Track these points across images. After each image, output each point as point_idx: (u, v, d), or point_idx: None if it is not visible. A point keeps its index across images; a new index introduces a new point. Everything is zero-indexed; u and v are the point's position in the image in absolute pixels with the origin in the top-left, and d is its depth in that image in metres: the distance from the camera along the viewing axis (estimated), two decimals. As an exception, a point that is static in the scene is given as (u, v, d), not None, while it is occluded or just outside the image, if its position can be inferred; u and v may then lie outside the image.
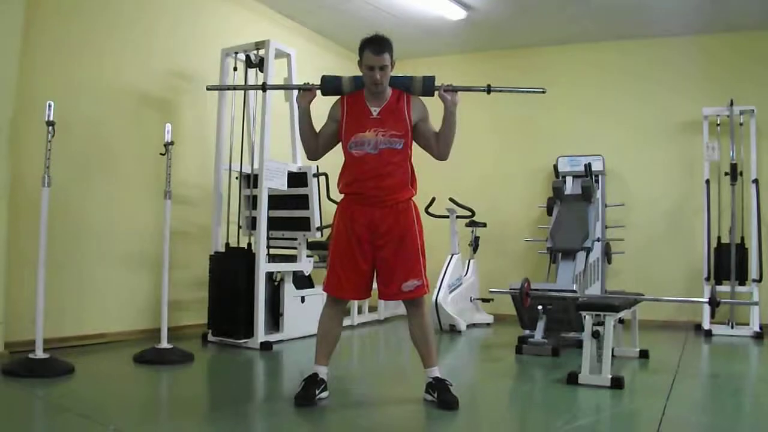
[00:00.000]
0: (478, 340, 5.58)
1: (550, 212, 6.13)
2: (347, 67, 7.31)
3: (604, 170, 6.46)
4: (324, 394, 3.09)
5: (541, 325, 4.59)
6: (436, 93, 3.09)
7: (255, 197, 4.73)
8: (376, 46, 2.94)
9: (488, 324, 6.27)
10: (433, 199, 6.31)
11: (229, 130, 4.96)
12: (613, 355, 3.64)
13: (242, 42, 4.97)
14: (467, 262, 6.32)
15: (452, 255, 6.06)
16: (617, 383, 3.41)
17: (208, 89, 3.61)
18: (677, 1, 5.69)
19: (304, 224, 5.05)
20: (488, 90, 3.12)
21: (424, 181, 7.10)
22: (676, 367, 4.15)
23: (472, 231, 6.40)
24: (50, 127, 3.57)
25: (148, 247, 4.71)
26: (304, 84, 3.14)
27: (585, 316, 3.66)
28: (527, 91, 3.32)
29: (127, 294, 4.69)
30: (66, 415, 2.79)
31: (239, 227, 5.05)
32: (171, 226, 4.24)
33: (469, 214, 6.24)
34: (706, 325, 5.71)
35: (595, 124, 6.76)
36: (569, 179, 6.36)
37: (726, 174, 5.94)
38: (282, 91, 5.08)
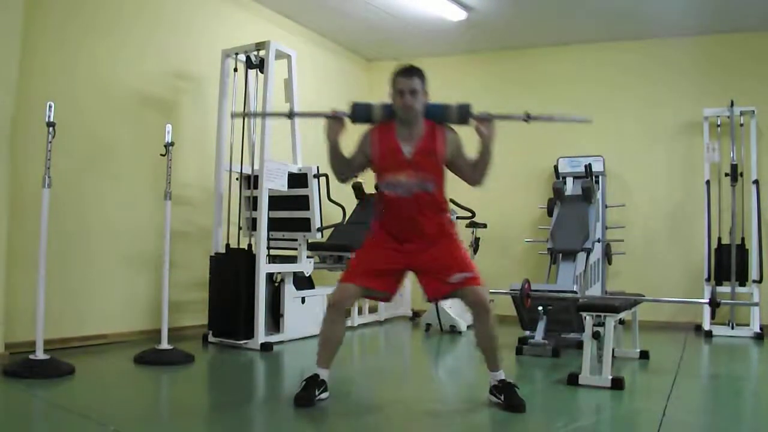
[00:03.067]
0: (479, 340, 5.56)
1: (550, 213, 6.13)
2: (347, 68, 7.33)
3: (605, 171, 6.45)
4: (324, 395, 3.08)
5: (541, 325, 4.59)
6: (473, 123, 2.98)
7: (255, 198, 4.73)
8: (406, 71, 2.92)
9: (488, 325, 6.25)
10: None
11: (229, 131, 4.96)
12: (613, 356, 3.64)
13: (243, 43, 4.97)
14: (467, 262, 6.30)
15: (452, 256, 6.04)
16: (618, 384, 3.41)
17: (232, 117, 3.39)
18: (677, 2, 5.69)
19: (304, 225, 5.05)
20: (528, 119, 3.00)
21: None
22: (676, 368, 4.14)
23: (473, 232, 6.39)
24: (50, 128, 3.57)
25: (149, 248, 4.71)
26: (332, 111, 3.01)
27: (585, 317, 3.66)
28: (570, 121, 3.20)
29: (128, 295, 4.69)
30: (66, 416, 2.80)
31: (239, 228, 5.05)
32: (171, 226, 4.24)
33: (470, 215, 6.24)
34: (706, 326, 5.70)
35: (596, 125, 6.68)
36: (570, 180, 6.36)
37: (726, 175, 5.94)
38: (282, 91, 5.08)
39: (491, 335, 3.07)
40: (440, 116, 3.01)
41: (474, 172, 3.05)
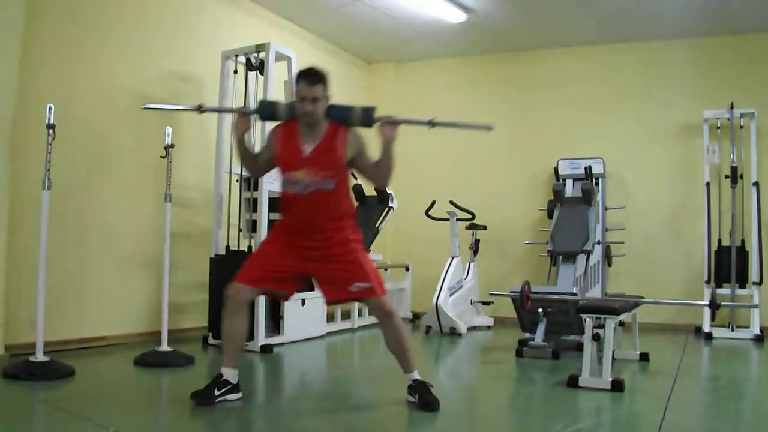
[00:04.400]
0: (479, 342, 5.57)
1: (550, 215, 6.13)
2: (347, 70, 7.34)
3: (605, 173, 6.46)
4: (233, 397, 3.05)
5: (541, 327, 4.59)
6: (376, 126, 3.00)
7: (255, 200, 4.73)
8: (309, 78, 2.92)
9: (489, 327, 6.26)
10: (434, 202, 6.33)
11: (229, 133, 4.96)
12: (613, 358, 3.64)
13: (243, 45, 4.97)
14: (468, 265, 6.32)
15: (452, 258, 6.06)
16: (618, 386, 3.40)
17: (144, 108, 3.37)
18: (677, 4, 5.69)
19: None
20: (431, 125, 3.01)
21: (425, 184, 7.19)
22: (676, 370, 4.14)
23: (473, 234, 6.40)
24: (50, 130, 3.57)
25: (149, 250, 4.71)
26: (240, 108, 3.08)
27: (585, 319, 3.66)
28: (470, 127, 3.21)
29: (128, 297, 4.69)
30: (66, 418, 2.79)
31: (240, 230, 5.04)
32: (171, 228, 4.24)
33: (470, 216, 6.24)
34: (706, 328, 5.70)
35: (596, 126, 6.77)
36: (570, 182, 6.37)
37: (726, 177, 5.94)
38: (283, 91, 5.09)
39: (399, 338, 3.10)
40: (344, 119, 3.04)
41: (376, 173, 3.08)
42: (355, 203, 6.29)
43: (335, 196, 3.03)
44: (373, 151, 3.07)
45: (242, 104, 4.99)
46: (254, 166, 3.21)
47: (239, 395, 3.09)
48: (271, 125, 3.21)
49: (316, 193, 2.98)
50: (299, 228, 3.06)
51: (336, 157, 2.99)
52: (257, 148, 3.23)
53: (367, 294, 3.04)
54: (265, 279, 3.07)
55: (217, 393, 3.01)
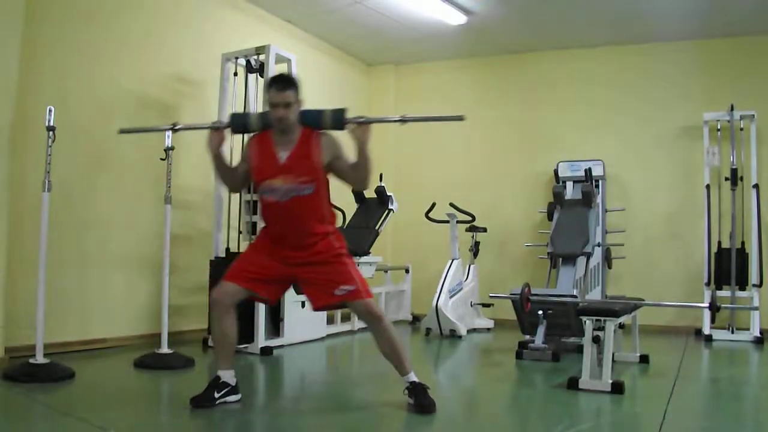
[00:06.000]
0: (479, 344, 5.57)
1: (550, 217, 6.13)
2: (347, 72, 7.34)
3: (605, 175, 6.46)
4: (232, 398, 3.06)
5: (541, 330, 4.59)
6: (347, 127, 3.00)
7: (255, 202, 4.73)
8: (280, 83, 2.93)
9: (488, 329, 6.26)
10: (434, 204, 6.32)
11: (228, 135, 4.95)
12: (613, 360, 3.64)
13: (243, 47, 4.98)
14: (468, 267, 6.32)
15: (452, 260, 6.06)
16: (618, 388, 3.40)
17: (119, 132, 3.39)
18: (677, 6, 5.70)
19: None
20: (402, 121, 3.00)
21: (424, 185, 7.18)
22: (676, 372, 4.14)
23: (473, 236, 6.40)
24: (51, 132, 3.57)
25: (149, 252, 4.71)
26: (212, 123, 3.11)
27: (585, 321, 3.66)
28: (443, 119, 3.23)
29: (128, 299, 4.69)
30: (66, 420, 2.79)
31: (240, 232, 5.05)
32: (171, 230, 4.24)
33: (470, 219, 6.24)
34: (706, 330, 5.70)
35: (596, 129, 6.77)
36: (570, 184, 6.37)
37: (726, 179, 5.94)
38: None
39: (391, 341, 3.10)
40: (316, 122, 3.04)
41: (355, 175, 3.06)
42: (356, 205, 6.34)
43: (314, 201, 3.02)
44: (350, 154, 3.06)
45: (242, 106, 5.00)
46: (232, 180, 3.20)
47: (238, 397, 3.09)
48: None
49: (295, 200, 2.97)
50: (282, 234, 3.05)
51: (312, 162, 2.99)
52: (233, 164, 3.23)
53: (352, 297, 3.02)
54: (251, 279, 3.05)
55: (216, 395, 3.01)
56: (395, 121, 3.03)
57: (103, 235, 4.53)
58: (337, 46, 7.06)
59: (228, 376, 3.07)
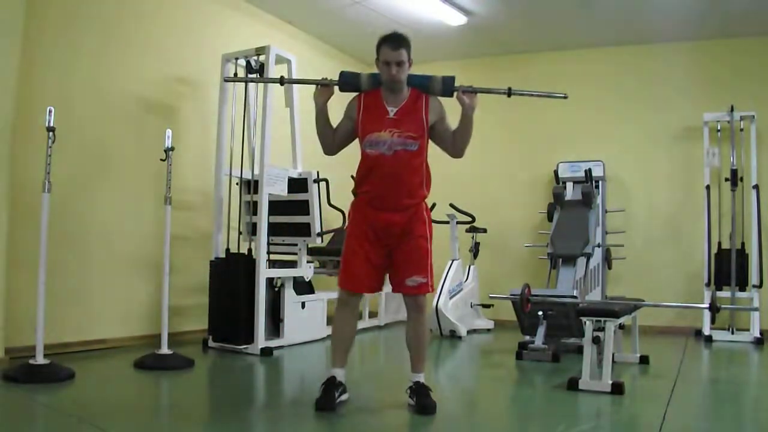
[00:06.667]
0: (479, 345, 5.57)
1: (550, 218, 6.13)
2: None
3: (605, 176, 6.46)
4: (344, 397, 3.11)
5: (541, 330, 4.59)
6: (455, 94, 3.04)
7: (255, 203, 4.73)
8: (393, 42, 2.95)
9: (489, 330, 6.26)
10: (434, 205, 6.31)
11: (229, 136, 4.97)
12: (613, 361, 3.64)
13: (243, 47, 4.98)
14: (468, 267, 6.32)
15: (453, 261, 6.06)
16: (618, 389, 3.40)
17: (225, 81, 3.61)
18: (677, 7, 5.70)
19: (304, 230, 5.05)
20: (509, 93, 3.07)
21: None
22: (676, 373, 4.14)
23: (473, 236, 6.40)
24: (51, 133, 3.58)
25: (149, 253, 4.71)
26: (322, 79, 3.10)
27: (585, 322, 3.66)
28: (548, 96, 3.24)
29: (128, 300, 4.69)
30: (66, 421, 2.80)
31: (240, 233, 5.05)
32: (171, 231, 4.24)
33: (470, 219, 6.24)
34: (706, 331, 5.70)
35: (596, 129, 6.77)
36: (570, 185, 6.36)
37: (726, 180, 5.95)
38: (283, 96, 5.09)
39: (422, 335, 3.18)
40: (424, 87, 3.08)
41: (455, 141, 3.11)
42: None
43: (417, 160, 3.04)
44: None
45: (242, 106, 5.01)
46: (331, 139, 3.17)
47: (348, 395, 3.15)
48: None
49: (399, 154, 2.99)
50: (381, 193, 3.04)
51: (420, 118, 3.02)
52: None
53: (420, 291, 3.09)
54: (368, 286, 3.15)
55: (336, 395, 3.05)
56: (502, 92, 3.07)
57: (103, 236, 4.53)
58: (337, 47, 7.06)
59: (342, 374, 3.12)
